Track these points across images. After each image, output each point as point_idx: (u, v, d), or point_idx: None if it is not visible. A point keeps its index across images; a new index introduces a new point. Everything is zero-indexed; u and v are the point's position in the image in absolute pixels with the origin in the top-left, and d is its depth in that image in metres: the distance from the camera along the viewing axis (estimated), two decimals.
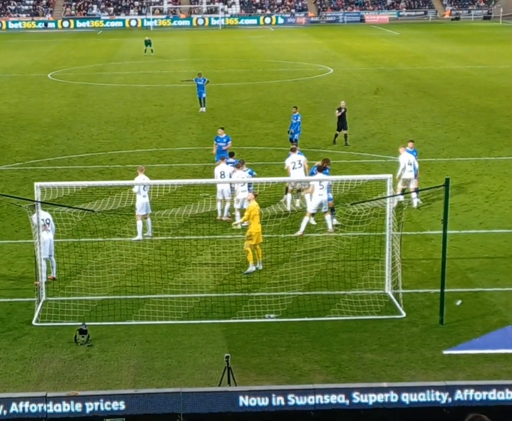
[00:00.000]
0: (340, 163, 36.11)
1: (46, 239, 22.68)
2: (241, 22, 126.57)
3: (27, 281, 23.09)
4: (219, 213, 28.26)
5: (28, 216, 22.66)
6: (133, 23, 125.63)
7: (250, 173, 28.32)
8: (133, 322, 20.68)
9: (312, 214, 27.13)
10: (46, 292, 22.05)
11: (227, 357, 16.39)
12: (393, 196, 22.74)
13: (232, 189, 28.18)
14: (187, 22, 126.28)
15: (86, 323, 19.85)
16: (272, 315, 20.99)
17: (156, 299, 21.80)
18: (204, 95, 49.70)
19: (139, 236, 26.37)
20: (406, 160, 29.53)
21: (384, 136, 38.57)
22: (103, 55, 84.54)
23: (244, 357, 18.81)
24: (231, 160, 29.72)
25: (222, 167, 28.22)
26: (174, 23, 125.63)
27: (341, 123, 39.37)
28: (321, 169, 27.58)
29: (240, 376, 17.53)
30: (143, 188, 26.21)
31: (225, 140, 33.51)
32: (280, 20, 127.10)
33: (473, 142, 40.55)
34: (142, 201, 26.37)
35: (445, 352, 19.06)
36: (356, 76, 65.45)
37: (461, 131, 43.37)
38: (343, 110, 39.28)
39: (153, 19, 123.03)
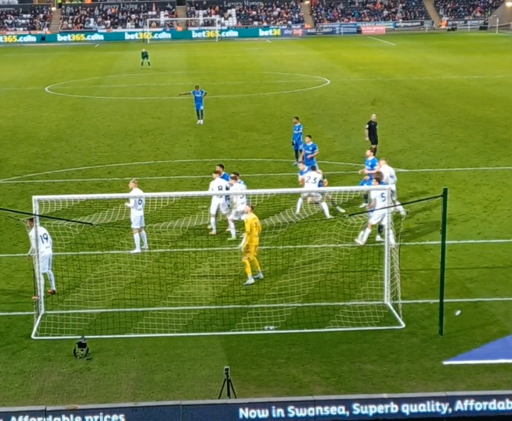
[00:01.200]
0: (338, 174, 36.13)
1: (46, 254, 22.67)
2: (238, 34, 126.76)
3: (25, 295, 23.06)
4: (214, 228, 28.14)
5: (26, 230, 22.65)
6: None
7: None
8: (132, 335, 20.64)
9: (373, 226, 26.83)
10: (45, 306, 22.02)
11: (227, 369, 16.36)
12: (392, 206, 22.73)
13: (229, 203, 28.15)
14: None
15: (85, 337, 19.81)
16: (271, 327, 20.96)
17: (155, 311, 21.76)
18: (202, 107, 49.73)
19: (137, 249, 26.35)
20: (387, 173, 29.42)
21: (381, 146, 38.57)
22: (100, 68, 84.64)
23: (243, 369, 18.78)
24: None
25: (219, 182, 28.16)
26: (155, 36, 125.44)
27: (373, 137, 38.48)
28: (378, 180, 27.11)
29: (240, 388, 17.50)
30: (138, 202, 26.19)
31: (311, 148, 34.26)
32: (277, 32, 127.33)
33: (471, 152, 40.59)
34: (137, 215, 26.34)
35: (445, 362, 19.03)
36: (353, 87, 65.56)
37: (458, 141, 43.42)
38: (372, 124, 38.56)
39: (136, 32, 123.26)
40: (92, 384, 18.35)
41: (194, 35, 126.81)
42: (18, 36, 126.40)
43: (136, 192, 26.45)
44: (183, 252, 26.43)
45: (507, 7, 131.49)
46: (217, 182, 28.18)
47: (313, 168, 30.85)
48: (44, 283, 22.50)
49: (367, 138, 38.45)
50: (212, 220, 28.06)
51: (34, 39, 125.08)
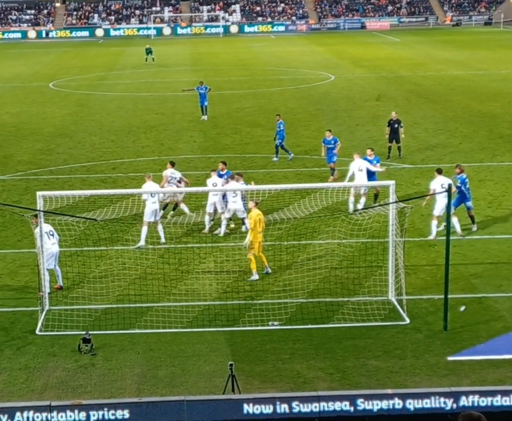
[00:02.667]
0: (342, 170, 36.06)
1: (53, 250, 22.68)
2: (242, 29, 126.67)
3: (30, 291, 23.09)
4: (207, 226, 27.93)
5: (31, 226, 22.67)
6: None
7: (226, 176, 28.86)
8: (137, 331, 20.66)
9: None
10: (49, 301, 22.05)
11: (231, 365, 16.36)
12: (396, 202, 22.69)
13: (226, 201, 28.10)
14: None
15: (90, 332, 19.84)
16: (275, 323, 20.96)
17: (159, 307, 21.78)
18: (206, 103, 49.71)
19: (142, 243, 26.36)
20: (357, 166, 29.58)
21: (386, 142, 38.51)
22: (105, 64, 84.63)
23: (248, 365, 18.78)
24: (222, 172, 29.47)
25: (214, 179, 28.06)
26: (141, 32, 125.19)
27: (393, 135, 38.09)
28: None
29: (244, 383, 17.50)
30: (152, 194, 26.31)
31: (332, 142, 34.69)
32: (281, 28, 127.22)
33: (475, 148, 40.54)
34: (152, 208, 26.44)
35: (450, 358, 19.02)
36: (358, 82, 65.48)
37: (463, 136, 43.36)
38: (391, 122, 38.14)
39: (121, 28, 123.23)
40: (96, 379, 18.37)
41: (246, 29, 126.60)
42: (71, 31, 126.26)
43: (148, 185, 26.57)
44: (187, 248, 26.43)
45: (511, 2, 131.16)
46: (212, 180, 28.09)
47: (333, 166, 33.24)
48: (49, 279, 22.53)
49: (387, 136, 38.32)
50: (207, 218, 27.83)
51: (86, 33, 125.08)
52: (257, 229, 23.84)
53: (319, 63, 79.44)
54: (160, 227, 26.83)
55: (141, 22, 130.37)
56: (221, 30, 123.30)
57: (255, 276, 23.82)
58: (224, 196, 27.92)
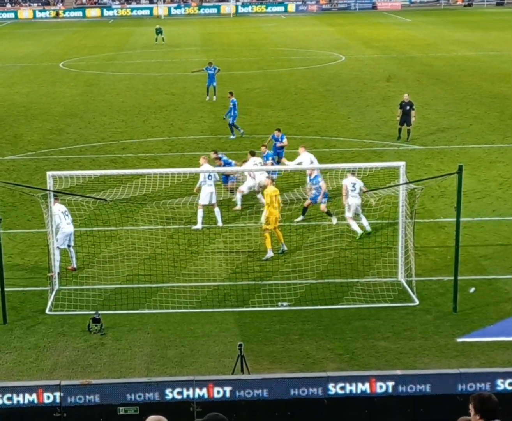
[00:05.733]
0: (352, 151, 36.04)
1: (67, 230, 22.72)
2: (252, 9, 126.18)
3: (40, 270, 23.16)
4: (200, 222, 26.72)
5: (41, 205, 22.68)
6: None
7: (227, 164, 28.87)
8: (146, 311, 20.72)
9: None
10: (59, 281, 22.11)
11: (240, 345, 16.38)
12: (406, 183, 22.62)
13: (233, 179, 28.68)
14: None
15: (99, 312, 19.89)
16: (285, 304, 20.97)
17: (169, 287, 21.82)
18: (215, 83, 49.59)
19: (199, 225, 26.25)
20: (308, 160, 28.95)
21: (396, 123, 38.39)
22: (115, 44, 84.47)
23: (257, 345, 18.81)
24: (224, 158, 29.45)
25: (205, 168, 27.17)
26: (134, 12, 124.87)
27: (404, 117, 37.72)
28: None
29: (253, 364, 17.54)
30: (208, 177, 26.32)
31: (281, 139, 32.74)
32: (292, 8, 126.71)
33: (486, 129, 40.37)
34: (207, 191, 26.46)
35: (459, 339, 19.01)
36: (368, 63, 65.23)
37: (474, 118, 43.18)
38: (403, 104, 37.81)
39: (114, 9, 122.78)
40: (106, 359, 18.43)
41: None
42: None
43: (204, 168, 26.67)
44: (196, 228, 26.42)
45: None
46: (204, 168, 27.20)
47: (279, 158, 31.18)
48: (60, 259, 22.57)
49: (398, 118, 38.10)
50: (201, 213, 26.71)
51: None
52: (273, 205, 23.93)
53: (329, 44, 79.14)
54: (217, 210, 26.78)
55: (151, 2, 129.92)
56: (232, 10, 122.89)
57: (270, 254, 23.90)
58: (226, 180, 28.83)
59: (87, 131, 42.00)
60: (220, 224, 26.67)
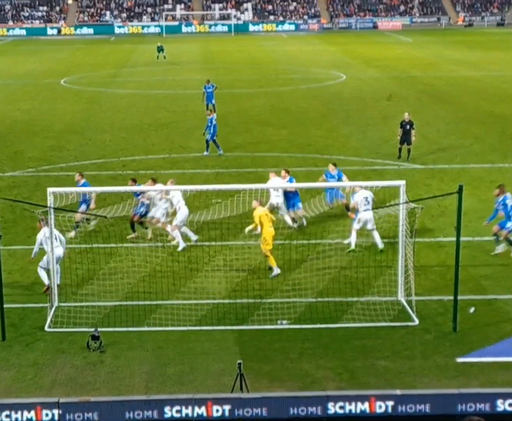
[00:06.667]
0: (353, 170, 36.02)
1: (56, 254, 22.54)
2: (254, 28, 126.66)
3: (39, 287, 23.11)
4: (181, 243, 26.44)
5: (39, 223, 22.67)
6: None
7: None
8: (146, 328, 20.66)
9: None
10: (58, 298, 22.07)
11: (240, 363, 16.34)
12: (406, 202, 22.62)
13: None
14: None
15: (99, 329, 19.84)
16: (284, 322, 20.93)
17: (168, 305, 21.77)
18: (213, 101, 49.71)
19: (182, 244, 26.18)
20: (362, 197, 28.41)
21: (397, 142, 38.42)
22: (117, 61, 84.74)
23: (256, 364, 18.76)
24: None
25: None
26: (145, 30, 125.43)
27: (404, 136, 37.75)
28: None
29: (253, 382, 17.47)
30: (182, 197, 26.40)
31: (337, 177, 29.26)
32: (293, 27, 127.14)
33: (487, 149, 40.40)
34: (187, 212, 26.34)
35: (459, 359, 18.95)
36: (369, 82, 65.37)
37: (474, 137, 43.23)
38: (403, 123, 37.87)
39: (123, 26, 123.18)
40: (105, 376, 18.37)
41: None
42: (83, 27, 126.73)
43: (275, 181, 27.20)
44: (196, 245, 26.42)
45: None
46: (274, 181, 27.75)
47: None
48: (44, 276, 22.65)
49: (399, 137, 38.15)
50: (178, 232, 26.50)
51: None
52: (267, 224, 24.11)
53: (330, 63, 79.36)
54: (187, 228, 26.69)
55: (153, 19, 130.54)
56: (232, 28, 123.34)
57: (277, 271, 23.99)
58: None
59: (88, 148, 42.04)
60: (195, 237, 26.63)
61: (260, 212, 24.48)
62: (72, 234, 26.40)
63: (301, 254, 25.46)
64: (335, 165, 29.28)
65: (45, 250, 22.59)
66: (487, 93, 58.64)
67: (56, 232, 23.04)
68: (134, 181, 27.80)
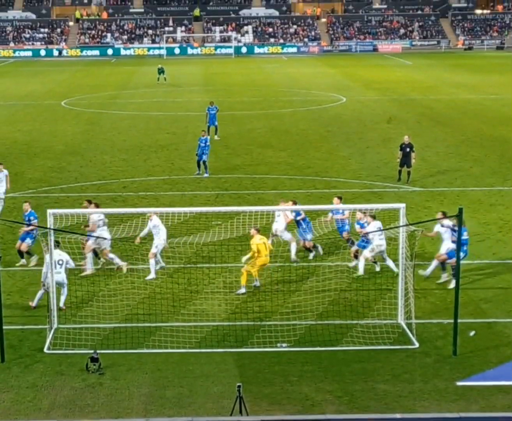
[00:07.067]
0: (352, 192, 36.08)
1: (55, 279, 22.49)
2: (260, 50, 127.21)
3: (39, 309, 23.08)
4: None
5: (41, 243, 22.68)
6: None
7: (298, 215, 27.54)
8: (145, 350, 20.63)
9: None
10: (57, 320, 22.03)
11: (239, 386, 16.30)
12: (406, 225, 22.64)
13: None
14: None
15: (98, 351, 19.80)
16: (284, 344, 20.90)
17: (168, 327, 21.74)
18: (216, 123, 49.90)
19: (154, 275, 25.89)
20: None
21: (397, 165, 38.48)
22: (117, 83, 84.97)
23: (256, 387, 18.71)
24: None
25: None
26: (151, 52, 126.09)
27: (404, 159, 37.81)
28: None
29: (252, 405, 17.43)
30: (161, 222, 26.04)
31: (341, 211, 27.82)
32: (293, 49, 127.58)
33: (486, 172, 40.46)
34: (163, 239, 26.08)
35: (459, 383, 18.91)
36: (369, 105, 65.54)
37: (474, 160, 43.30)
38: (403, 146, 37.91)
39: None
40: (104, 399, 18.32)
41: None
42: (83, 49, 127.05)
43: (155, 222, 26.05)
44: (196, 268, 26.41)
45: None
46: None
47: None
48: (40, 297, 22.69)
49: (398, 160, 38.20)
50: (153, 262, 25.91)
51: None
52: (263, 253, 24.49)
53: (330, 85, 79.58)
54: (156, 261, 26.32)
55: (153, 42, 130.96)
56: (223, 51, 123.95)
57: (243, 290, 24.33)
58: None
59: (88, 169, 42.09)
60: (163, 263, 26.35)
61: (257, 240, 24.70)
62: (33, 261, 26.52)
63: (301, 277, 25.45)
64: (340, 198, 27.89)
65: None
66: (487, 116, 58.78)
67: (66, 256, 23.03)
68: (90, 202, 27.38)
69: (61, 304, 23.04)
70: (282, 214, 27.33)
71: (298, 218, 27.53)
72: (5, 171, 34.05)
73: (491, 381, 18.96)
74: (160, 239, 25.85)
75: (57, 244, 22.98)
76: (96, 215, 26.15)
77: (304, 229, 27.36)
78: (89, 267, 25.87)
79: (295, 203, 27.74)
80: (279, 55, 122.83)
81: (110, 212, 27.89)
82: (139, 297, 23.96)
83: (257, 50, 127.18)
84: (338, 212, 27.67)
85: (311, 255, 27.45)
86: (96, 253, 26.48)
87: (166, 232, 26.00)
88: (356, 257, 26.17)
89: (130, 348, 20.70)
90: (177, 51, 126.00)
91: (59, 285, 22.86)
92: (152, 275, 25.58)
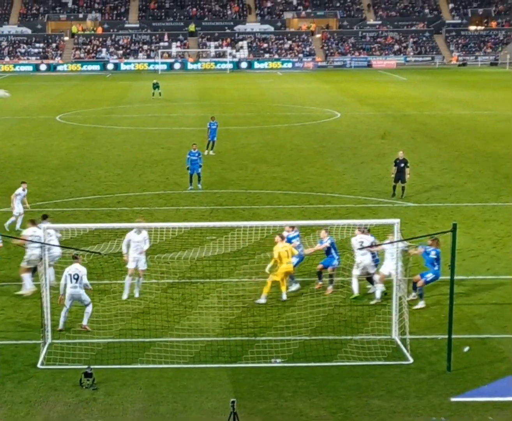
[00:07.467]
0: (347, 208, 36.14)
1: (70, 292, 22.65)
2: (260, 65, 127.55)
3: (33, 324, 23.04)
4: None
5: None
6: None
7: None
8: (139, 366, 20.59)
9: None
10: (51, 335, 21.99)
11: (233, 402, 16.27)
12: (401, 241, 22.67)
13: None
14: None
15: (92, 366, 19.77)
16: (278, 360, 20.88)
17: (162, 342, 21.71)
18: (215, 138, 50.11)
19: (125, 295, 25.44)
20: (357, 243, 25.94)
21: (391, 180, 38.55)
22: (112, 98, 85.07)
23: (250, 402, 18.69)
24: None
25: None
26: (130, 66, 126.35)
27: (399, 174, 37.86)
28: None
29: None
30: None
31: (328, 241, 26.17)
32: (288, 65, 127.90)
33: (480, 188, 40.56)
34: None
35: (453, 399, 18.90)
36: (363, 120, 65.70)
37: (468, 176, 43.41)
38: (397, 162, 37.96)
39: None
40: (97, 414, 18.27)
41: None
42: (79, 64, 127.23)
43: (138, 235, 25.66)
44: (191, 283, 26.40)
45: None
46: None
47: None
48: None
49: (393, 175, 38.26)
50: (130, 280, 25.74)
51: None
52: (285, 261, 24.73)
53: (325, 101, 79.76)
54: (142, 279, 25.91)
55: (149, 57, 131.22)
56: (228, 65, 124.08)
57: (263, 300, 24.47)
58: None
59: (82, 184, 42.10)
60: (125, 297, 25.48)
61: (279, 247, 24.84)
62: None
63: (295, 292, 25.44)
64: (326, 230, 26.21)
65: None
66: (481, 132, 58.96)
67: (83, 271, 22.84)
68: (44, 217, 27.04)
69: (84, 323, 22.83)
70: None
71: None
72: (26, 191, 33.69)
73: (485, 397, 18.95)
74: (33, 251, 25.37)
75: (76, 258, 23.00)
76: (30, 230, 26.09)
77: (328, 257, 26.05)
78: (27, 287, 25.67)
79: (292, 228, 26.61)
80: (274, 71, 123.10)
81: (104, 227, 27.78)
82: (134, 312, 23.92)
83: (252, 65, 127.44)
84: (322, 242, 26.20)
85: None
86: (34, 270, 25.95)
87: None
88: (370, 281, 25.48)
89: (124, 364, 20.66)
90: (177, 66, 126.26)
91: (77, 300, 22.78)
92: (25, 290, 25.42)
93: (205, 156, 48.97)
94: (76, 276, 22.74)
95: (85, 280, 22.90)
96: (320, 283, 25.98)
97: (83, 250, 25.17)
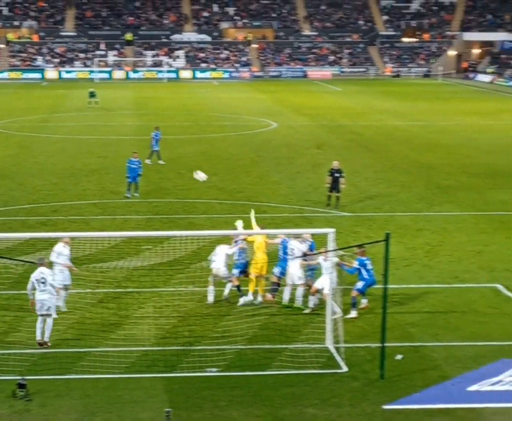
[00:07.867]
0: (282, 217, 36.39)
1: (39, 298, 22.28)
2: (203, 74, 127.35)
3: None
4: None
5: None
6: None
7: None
8: (73, 376, 20.47)
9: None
10: None
11: (168, 412, 16.30)
12: (335, 250, 22.95)
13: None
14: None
15: (25, 377, 19.59)
16: (213, 369, 20.95)
17: (97, 352, 21.61)
18: (158, 148, 49.93)
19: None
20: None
21: (326, 190, 38.90)
22: (48, 106, 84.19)
23: (185, 412, 18.72)
24: None
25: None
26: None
27: (333, 184, 38.04)
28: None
29: None
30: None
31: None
32: (225, 75, 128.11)
33: (414, 197, 41.20)
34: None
35: (385, 406, 19.18)
36: (299, 130, 66.17)
37: (401, 186, 44.05)
38: (332, 171, 38.15)
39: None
40: None
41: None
42: (91, 72, 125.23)
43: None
44: (126, 292, 26.32)
45: (449, 55, 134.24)
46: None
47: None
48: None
49: (328, 185, 38.52)
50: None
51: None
52: (262, 250, 25.33)
53: (261, 110, 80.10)
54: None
55: (85, 65, 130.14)
56: (165, 75, 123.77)
57: (249, 297, 25.13)
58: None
59: (18, 192, 41.62)
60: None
61: (259, 239, 25.44)
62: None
63: (231, 301, 25.55)
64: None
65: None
66: (414, 142, 59.87)
67: (43, 275, 22.46)
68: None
69: (45, 339, 22.32)
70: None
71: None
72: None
73: (417, 405, 19.29)
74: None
75: (41, 262, 22.66)
76: None
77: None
78: None
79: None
80: (210, 80, 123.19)
81: (39, 236, 27.57)
82: (68, 322, 23.76)
83: (188, 75, 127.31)
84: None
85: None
86: None
87: None
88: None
89: (58, 374, 20.52)
90: (116, 75, 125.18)
91: (46, 308, 22.34)
92: None
93: (145, 165, 48.91)
94: (43, 280, 22.45)
95: (50, 280, 22.60)
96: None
97: (18, 260, 24.95)
